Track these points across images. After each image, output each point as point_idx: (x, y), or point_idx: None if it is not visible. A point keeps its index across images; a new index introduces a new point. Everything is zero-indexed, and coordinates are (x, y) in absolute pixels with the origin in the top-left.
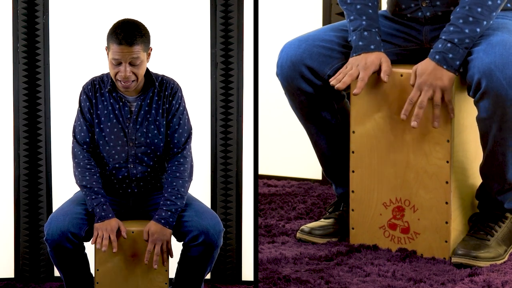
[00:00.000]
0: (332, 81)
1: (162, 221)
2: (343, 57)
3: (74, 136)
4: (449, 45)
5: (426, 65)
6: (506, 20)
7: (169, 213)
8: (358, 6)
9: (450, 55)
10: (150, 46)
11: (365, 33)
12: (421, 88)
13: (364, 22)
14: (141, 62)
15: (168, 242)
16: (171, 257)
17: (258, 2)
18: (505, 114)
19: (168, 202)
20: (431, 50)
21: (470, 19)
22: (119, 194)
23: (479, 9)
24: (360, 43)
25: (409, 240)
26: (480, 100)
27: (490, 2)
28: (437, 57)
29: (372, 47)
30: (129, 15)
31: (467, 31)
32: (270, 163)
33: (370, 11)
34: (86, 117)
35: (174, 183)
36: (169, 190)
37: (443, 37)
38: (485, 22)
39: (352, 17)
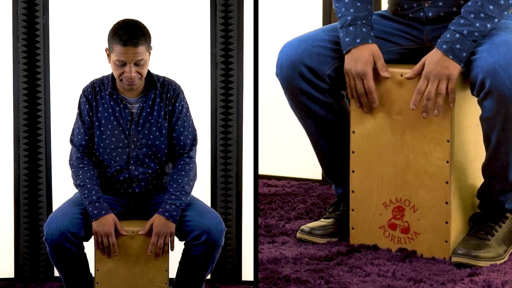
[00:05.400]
0: (357, 104)
1: (166, 214)
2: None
3: (72, 139)
4: (457, 35)
5: (433, 55)
6: (509, 20)
7: (173, 206)
8: (347, 0)
9: (458, 46)
10: (151, 45)
11: (351, 28)
12: (428, 77)
13: (349, 17)
14: (145, 62)
15: (172, 235)
16: (172, 250)
17: (258, 2)
18: (509, 113)
19: (173, 197)
20: (439, 40)
21: (482, 15)
22: (120, 194)
23: (491, 7)
24: (347, 39)
25: (409, 240)
26: (484, 100)
27: (502, 1)
28: (444, 46)
29: (358, 40)
30: (129, 15)
31: (477, 25)
32: (270, 163)
33: (359, 4)
34: (84, 120)
35: (180, 180)
36: (174, 185)
37: (452, 27)
38: (496, 20)
39: (340, 14)
